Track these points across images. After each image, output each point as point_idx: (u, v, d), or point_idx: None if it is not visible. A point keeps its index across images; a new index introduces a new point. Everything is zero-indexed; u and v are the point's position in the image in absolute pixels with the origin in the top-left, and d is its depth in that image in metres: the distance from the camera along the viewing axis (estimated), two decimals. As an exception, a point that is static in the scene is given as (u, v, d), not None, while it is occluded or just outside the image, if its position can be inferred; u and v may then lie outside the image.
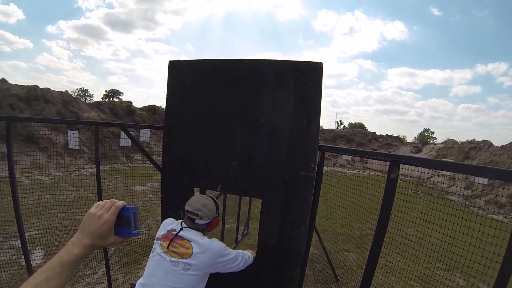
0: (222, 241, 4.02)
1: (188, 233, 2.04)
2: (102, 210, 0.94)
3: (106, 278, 4.60)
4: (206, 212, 2.08)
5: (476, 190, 13.87)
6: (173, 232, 2.06)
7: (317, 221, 5.62)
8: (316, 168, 2.37)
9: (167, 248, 2.00)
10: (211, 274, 2.11)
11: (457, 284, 4.73)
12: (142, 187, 9.73)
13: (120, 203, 0.97)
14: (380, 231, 2.08)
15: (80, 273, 4.92)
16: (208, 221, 2.11)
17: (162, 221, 2.96)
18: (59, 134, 14.89)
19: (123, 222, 0.96)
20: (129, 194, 8.47)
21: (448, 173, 12.89)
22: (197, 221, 2.08)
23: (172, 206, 2.82)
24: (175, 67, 2.75)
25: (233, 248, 4.40)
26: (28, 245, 5.20)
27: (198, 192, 2.98)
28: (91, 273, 4.77)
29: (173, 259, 1.97)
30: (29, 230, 5.76)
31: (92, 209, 0.96)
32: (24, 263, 4.40)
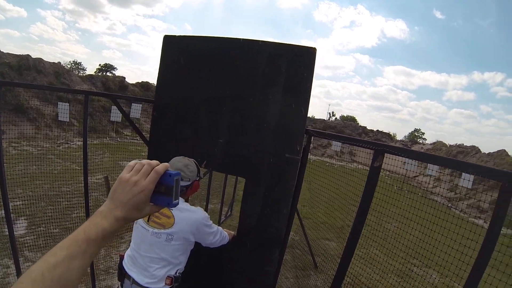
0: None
1: None
2: (139, 176, 0.78)
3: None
4: (187, 172, 2.02)
5: (460, 193, 14.14)
6: None
7: (300, 208, 5.70)
8: (302, 152, 2.39)
9: (149, 218, 1.97)
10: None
11: (433, 280, 4.87)
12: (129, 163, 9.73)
13: (162, 167, 0.81)
14: (360, 218, 2.11)
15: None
16: (189, 183, 2.04)
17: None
18: (49, 105, 14.69)
19: (163, 189, 0.82)
20: (116, 169, 8.45)
21: (434, 173, 13.10)
22: None
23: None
24: (169, 42, 2.71)
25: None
26: (12, 215, 5.20)
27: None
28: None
29: (155, 230, 1.95)
30: (13, 200, 5.73)
31: (125, 174, 0.80)
32: (7, 233, 4.43)
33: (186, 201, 2.35)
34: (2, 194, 2.96)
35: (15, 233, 4.50)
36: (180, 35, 2.70)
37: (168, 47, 2.71)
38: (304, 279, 4.50)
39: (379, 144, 2.07)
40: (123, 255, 2.10)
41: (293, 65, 2.34)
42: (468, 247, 2.44)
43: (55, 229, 5.06)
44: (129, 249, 2.09)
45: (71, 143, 13.10)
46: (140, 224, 2.01)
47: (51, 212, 5.71)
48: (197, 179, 2.11)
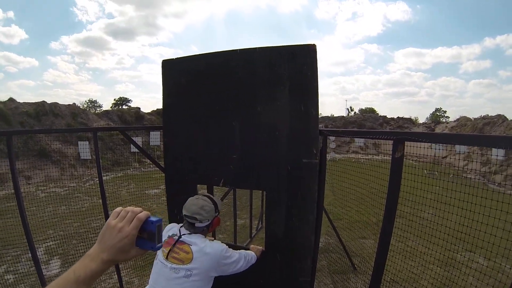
0: (236, 237, 4.01)
1: (189, 237, 1.98)
2: (123, 222, 0.85)
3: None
4: (204, 214, 2.00)
5: (494, 165, 13.53)
6: (174, 237, 2.01)
7: (331, 209, 5.54)
8: (319, 154, 2.29)
9: (168, 254, 1.95)
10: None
11: (479, 264, 4.60)
12: (156, 190, 9.77)
13: (143, 214, 0.87)
14: (389, 215, 2.01)
15: (98, 279, 4.96)
16: (208, 222, 2.04)
17: (169, 221, 2.94)
18: (70, 146, 15.10)
19: (146, 235, 0.88)
20: (143, 198, 8.53)
21: (463, 150, 12.63)
22: (197, 224, 2.00)
23: (178, 206, 2.77)
24: (168, 65, 2.70)
25: (248, 244, 4.37)
26: (45, 256, 5.31)
27: (206, 190, 2.93)
28: (107, 278, 4.80)
29: (173, 265, 1.92)
30: (45, 241, 5.86)
31: (111, 220, 0.87)
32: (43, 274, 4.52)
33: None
34: (27, 236, 3.10)
35: (50, 273, 4.62)
36: (177, 58, 2.69)
37: (168, 71, 2.71)
38: (343, 283, 4.34)
39: (397, 132, 1.96)
40: None
41: (295, 66, 2.26)
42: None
43: None
44: (148, 285, 2.05)
45: (96, 179, 13.35)
46: (159, 260, 1.99)
47: (83, 249, 5.81)
48: (216, 214, 2.09)
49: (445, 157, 16.17)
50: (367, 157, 18.04)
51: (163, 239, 1.99)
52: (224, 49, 2.58)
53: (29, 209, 6.63)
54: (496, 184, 11.68)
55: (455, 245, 3.77)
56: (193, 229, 2.01)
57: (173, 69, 2.68)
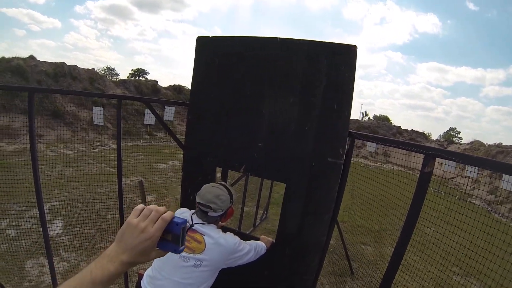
0: (240, 224, 4.02)
1: (202, 226, 1.94)
2: (146, 222, 0.79)
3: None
4: (219, 203, 1.94)
5: (500, 196, 13.38)
6: None
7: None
8: (345, 156, 2.27)
9: None
10: None
11: None
12: (164, 165, 9.86)
13: (168, 215, 0.82)
14: (409, 227, 1.98)
15: (97, 245, 5.02)
16: (222, 212, 1.98)
17: (181, 200, 2.94)
18: (84, 110, 15.26)
19: (170, 237, 0.83)
20: (150, 171, 8.59)
21: (473, 175, 12.48)
22: (210, 213, 1.95)
23: (192, 186, 2.77)
24: (202, 43, 2.65)
25: (250, 232, 4.37)
26: (48, 215, 5.37)
27: (221, 173, 2.92)
28: (108, 245, 4.86)
29: (183, 254, 1.85)
30: (50, 200, 5.94)
31: (133, 219, 0.81)
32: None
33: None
34: (37, 195, 3.09)
35: (51, 233, 4.65)
36: (213, 36, 2.66)
37: (202, 49, 2.66)
38: (340, 285, 4.37)
39: (430, 147, 1.93)
40: (142, 274, 2.03)
41: (334, 64, 2.23)
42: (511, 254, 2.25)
43: (90, 229, 5.19)
44: (150, 268, 2.00)
45: (106, 146, 13.50)
46: None
47: (86, 213, 5.89)
48: (231, 205, 2.04)
49: (453, 178, 16.00)
50: (375, 164, 17.97)
51: None
52: (245, 34, 2.54)
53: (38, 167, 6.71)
54: (500, 214, 11.57)
55: (455, 265, 3.76)
56: (206, 218, 1.96)
57: (207, 47, 2.64)
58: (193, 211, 2.04)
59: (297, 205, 2.40)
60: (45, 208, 5.55)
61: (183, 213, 2.06)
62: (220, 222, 2.07)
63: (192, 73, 2.71)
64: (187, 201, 2.78)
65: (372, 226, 5.62)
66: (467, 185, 14.45)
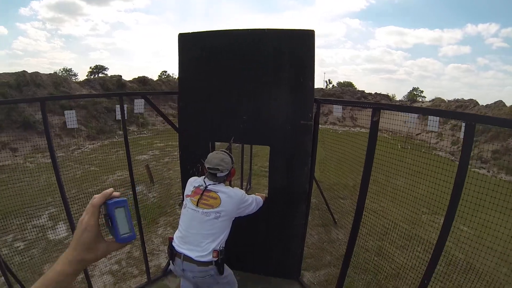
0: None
1: (214, 186, 2.36)
2: (84, 213, 0.74)
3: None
4: (224, 165, 2.38)
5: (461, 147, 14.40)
6: (200, 188, 2.36)
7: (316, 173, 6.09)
8: (313, 118, 2.85)
9: (198, 202, 2.31)
10: None
11: (439, 224, 5.29)
12: (144, 156, 10.09)
13: (97, 197, 0.75)
14: (367, 171, 2.52)
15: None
16: (227, 172, 2.43)
17: (182, 177, 3.41)
18: (54, 115, 15.00)
19: (109, 221, 0.75)
20: (133, 164, 8.68)
21: (435, 129, 13.50)
22: (218, 174, 2.38)
23: (190, 162, 3.28)
24: (185, 39, 3.10)
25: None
26: (50, 222, 5.50)
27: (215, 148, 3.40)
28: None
29: (205, 210, 2.28)
30: (47, 208, 5.97)
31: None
32: (52, 238, 4.78)
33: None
34: (63, 202, 3.24)
35: (58, 237, 4.87)
36: (193, 32, 3.09)
37: (184, 44, 3.11)
38: (326, 234, 5.00)
39: (376, 103, 2.51)
40: (172, 238, 2.41)
41: (296, 47, 2.79)
42: (473, 192, 2.60)
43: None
44: (177, 231, 2.40)
45: (83, 148, 13.52)
46: (189, 207, 2.34)
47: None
48: (233, 166, 2.50)
49: (418, 134, 17.07)
50: (344, 129, 18.80)
51: (190, 190, 2.45)
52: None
53: (23, 179, 6.78)
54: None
55: (424, 207, 4.28)
56: (215, 178, 2.39)
57: (188, 43, 3.09)
58: (203, 176, 2.48)
59: (281, 162, 3.01)
60: (44, 216, 5.72)
61: (196, 180, 2.47)
62: (226, 181, 2.56)
63: (178, 65, 3.15)
64: (188, 176, 3.26)
65: (346, 182, 6.16)
66: (430, 140, 15.58)
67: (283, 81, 2.85)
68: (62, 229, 5.64)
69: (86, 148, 13.48)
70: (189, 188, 2.45)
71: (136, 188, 3.40)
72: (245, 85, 2.96)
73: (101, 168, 9.51)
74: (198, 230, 2.29)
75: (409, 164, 3.22)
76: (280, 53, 2.82)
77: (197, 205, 2.32)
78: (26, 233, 5.15)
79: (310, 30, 2.77)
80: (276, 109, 2.91)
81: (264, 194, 2.93)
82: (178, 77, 3.24)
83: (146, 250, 3.78)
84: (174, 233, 2.47)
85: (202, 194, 2.34)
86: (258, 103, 2.95)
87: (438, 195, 2.99)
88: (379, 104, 2.49)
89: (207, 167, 2.41)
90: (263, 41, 2.85)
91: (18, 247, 4.83)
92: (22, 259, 4.43)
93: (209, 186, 2.37)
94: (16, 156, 11.05)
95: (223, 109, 3.07)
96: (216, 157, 2.43)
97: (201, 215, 2.29)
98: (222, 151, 2.57)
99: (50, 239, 4.93)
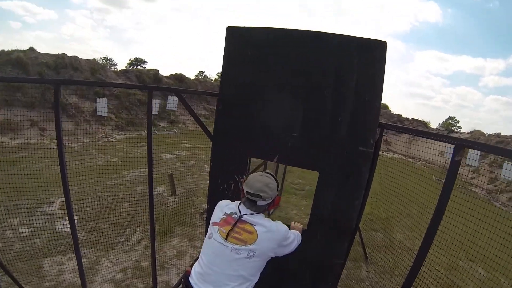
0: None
1: (251, 217, 1.91)
2: None
3: (140, 245, 4.67)
4: (269, 192, 1.92)
5: (499, 186, 13.57)
6: (233, 216, 1.92)
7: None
8: (374, 145, 2.39)
9: (228, 234, 1.87)
10: None
11: (478, 274, 4.76)
12: (170, 155, 9.89)
13: None
14: (438, 215, 2.10)
15: (115, 239, 5.00)
16: (270, 200, 1.97)
17: (210, 191, 2.98)
18: (87, 101, 15.17)
19: None
20: (158, 162, 8.49)
21: (475, 164, 12.68)
22: (259, 202, 1.92)
23: (222, 176, 2.87)
24: (233, 33, 2.72)
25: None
26: (61, 211, 5.30)
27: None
28: (125, 240, 4.85)
29: (235, 246, 1.83)
30: (60, 196, 5.84)
31: None
32: (58, 229, 4.51)
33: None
34: (65, 192, 3.03)
35: (67, 229, 4.57)
36: (244, 26, 2.70)
37: (232, 39, 2.72)
38: (355, 270, 4.53)
39: (459, 139, 2.04)
40: (190, 271, 1.98)
41: (365, 59, 2.34)
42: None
43: (104, 224, 5.07)
44: (197, 265, 1.96)
45: (110, 137, 13.51)
46: (215, 239, 1.89)
47: (99, 207, 5.82)
48: (278, 193, 2.03)
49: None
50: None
51: (219, 217, 1.93)
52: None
53: (44, 160, 6.68)
54: (500, 203, 11.78)
55: (462, 250, 3.88)
56: (254, 207, 1.93)
57: (238, 37, 2.71)
58: (238, 202, 2.01)
59: (330, 191, 2.53)
60: (56, 203, 5.51)
61: (228, 205, 2.02)
62: (268, 210, 2.08)
63: (222, 61, 2.76)
64: (217, 192, 2.87)
65: (379, 213, 5.75)
66: (467, 175, 14.67)
67: (345, 97, 2.40)
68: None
69: (113, 138, 13.45)
70: (218, 214, 1.98)
71: (155, 190, 2.98)
72: (298, 96, 2.53)
73: (124, 161, 9.35)
74: (223, 270, 1.84)
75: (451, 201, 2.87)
76: (345, 63, 2.38)
77: (226, 239, 1.86)
78: (33, 219, 4.97)
79: (383, 41, 2.31)
80: (333, 130, 2.46)
81: (301, 225, 2.41)
82: (221, 75, 2.85)
83: (156, 261, 3.40)
84: (192, 263, 2.02)
85: (234, 225, 1.88)
86: (312, 119, 2.50)
87: (478, 239, 2.86)
88: (463, 140, 2.01)
89: (246, 192, 1.94)
90: (326, 48, 2.41)
91: (22, 233, 4.62)
92: (23, 247, 4.26)
93: (244, 216, 1.90)
94: (43, 136, 11.10)
95: (270, 120, 2.63)
96: (260, 180, 1.95)
97: (230, 251, 1.83)
98: (267, 173, 2.07)
99: (56, 230, 4.63)
